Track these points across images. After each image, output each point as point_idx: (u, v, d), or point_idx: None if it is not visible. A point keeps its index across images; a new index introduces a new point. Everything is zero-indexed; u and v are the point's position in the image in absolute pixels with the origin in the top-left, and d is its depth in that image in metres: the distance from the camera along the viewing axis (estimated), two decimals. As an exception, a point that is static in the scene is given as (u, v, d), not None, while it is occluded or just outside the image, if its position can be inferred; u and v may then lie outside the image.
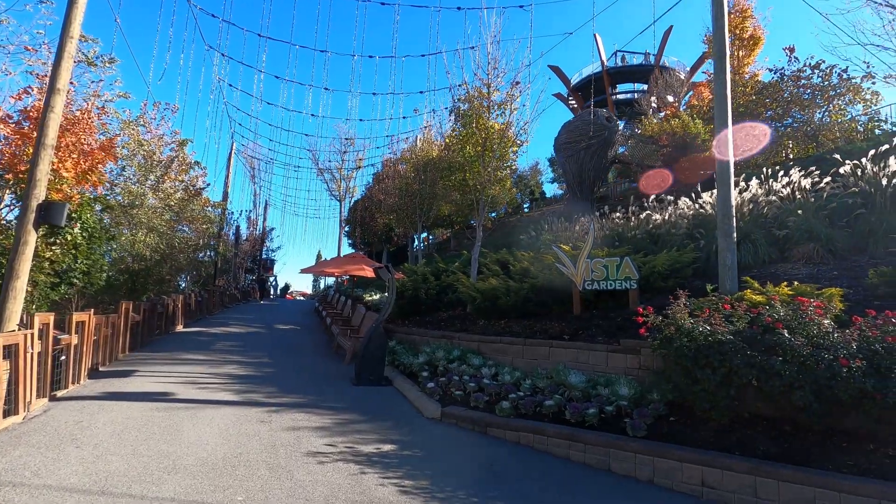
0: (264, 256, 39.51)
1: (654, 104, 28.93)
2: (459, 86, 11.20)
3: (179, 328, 12.95)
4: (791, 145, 14.53)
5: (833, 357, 4.12)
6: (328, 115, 41.41)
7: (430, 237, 35.07)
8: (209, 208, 18.43)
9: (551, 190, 43.01)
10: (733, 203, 7.36)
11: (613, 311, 7.65)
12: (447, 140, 12.07)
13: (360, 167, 34.07)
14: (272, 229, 38.54)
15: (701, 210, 8.92)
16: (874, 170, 8.07)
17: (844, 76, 13.65)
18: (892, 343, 4.06)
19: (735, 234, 7.21)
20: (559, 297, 8.38)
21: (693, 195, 10.03)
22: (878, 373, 3.98)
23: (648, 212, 9.74)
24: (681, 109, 23.13)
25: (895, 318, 4.27)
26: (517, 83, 10.85)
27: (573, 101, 39.66)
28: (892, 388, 3.86)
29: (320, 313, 17.39)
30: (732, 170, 7.50)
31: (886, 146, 8.29)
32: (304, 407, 5.88)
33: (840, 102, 13.67)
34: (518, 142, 10.78)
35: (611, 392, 5.68)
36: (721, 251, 7.22)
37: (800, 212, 7.76)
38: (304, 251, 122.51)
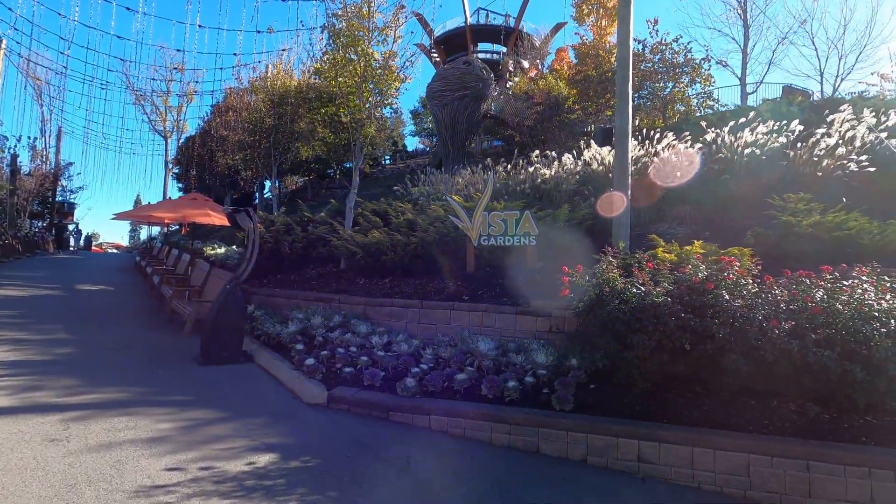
0: (60, 199, 31.56)
1: (510, 67, 29.62)
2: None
3: (-86, 292, 9.08)
4: (641, 116, 15.71)
5: (763, 318, 4.00)
6: (150, 13, 31.80)
7: (280, 186, 31.60)
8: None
9: (412, 144, 42.08)
10: (629, 161, 7.26)
11: (510, 268, 7.13)
12: (317, 66, 10.11)
13: (191, 99, 28.76)
14: (70, 164, 30.71)
15: (588, 167, 8.82)
16: (730, 139, 8.75)
17: (689, 55, 15.03)
18: (807, 303, 4.06)
19: (630, 192, 7.15)
20: (451, 253, 7.58)
21: (575, 152, 9.98)
22: (796, 333, 3.96)
23: (537, 165, 9.39)
24: (543, 72, 23.85)
25: (807, 278, 4.32)
26: (402, 6, 9.39)
27: (436, 55, 38.72)
28: (812, 347, 3.84)
29: (143, 270, 14.13)
30: (630, 126, 7.37)
31: (743, 119, 9.05)
32: (128, 406, 4.12)
33: (684, 80, 15.06)
34: (402, 76, 9.43)
35: (525, 359, 5.09)
36: (616, 208, 7.11)
37: (678, 173, 8.05)
38: (119, 194, 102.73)
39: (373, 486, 3.15)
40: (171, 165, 28.78)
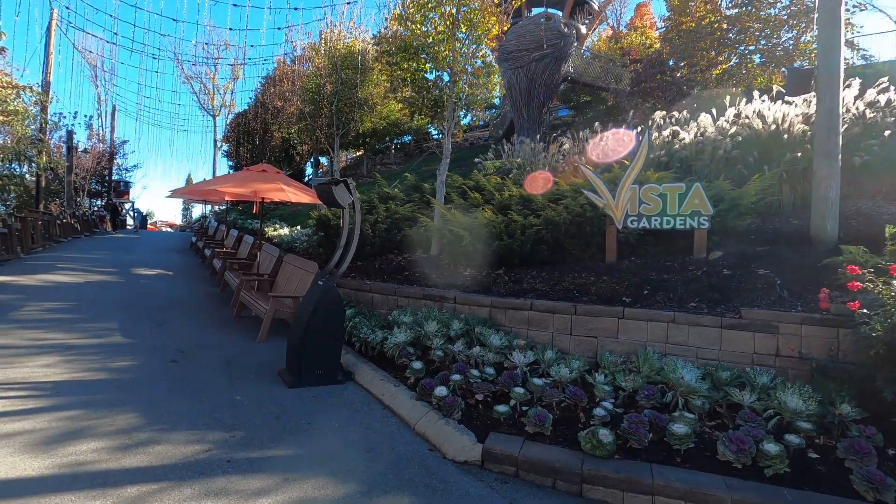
0: (116, 177, 31.73)
1: (565, 31, 27.07)
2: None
3: (-35, 276, 8.29)
4: (758, 71, 13.30)
5: None
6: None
7: (326, 162, 30.53)
8: (23, 95, 12.59)
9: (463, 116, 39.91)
10: (840, 113, 5.35)
11: (669, 259, 5.45)
12: (395, 12, 8.49)
13: (238, 76, 27.90)
14: (124, 142, 30.67)
15: (747, 127, 6.89)
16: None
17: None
18: None
19: (840, 158, 5.27)
20: (582, 238, 5.95)
21: (714, 111, 8.04)
22: None
23: (675, 129, 7.52)
24: (620, 30, 21.37)
25: None
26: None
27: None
28: None
29: (201, 251, 13.23)
30: (842, 65, 5.43)
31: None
32: (209, 474, 2.78)
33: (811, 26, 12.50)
34: (503, 19, 7.71)
35: (758, 400, 3.47)
36: (820, 179, 5.24)
37: (887, 133, 6.05)
38: (171, 172, 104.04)
39: None
40: (219, 144, 28.19)
